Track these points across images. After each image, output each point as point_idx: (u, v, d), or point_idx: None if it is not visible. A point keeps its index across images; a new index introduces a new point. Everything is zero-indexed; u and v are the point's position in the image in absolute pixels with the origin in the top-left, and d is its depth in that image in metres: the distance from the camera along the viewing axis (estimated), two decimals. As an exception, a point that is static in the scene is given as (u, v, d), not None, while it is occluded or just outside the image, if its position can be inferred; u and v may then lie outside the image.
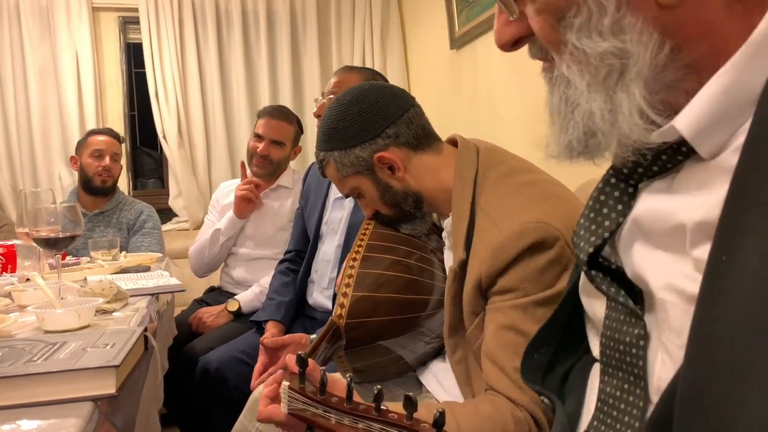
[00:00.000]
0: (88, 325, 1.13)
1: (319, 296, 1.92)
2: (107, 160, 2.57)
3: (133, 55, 3.43)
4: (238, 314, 2.23)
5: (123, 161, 3.27)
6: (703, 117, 0.46)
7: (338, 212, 1.89)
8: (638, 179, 0.56)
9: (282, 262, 2.11)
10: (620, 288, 0.55)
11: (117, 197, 2.66)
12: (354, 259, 1.14)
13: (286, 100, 3.36)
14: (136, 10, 3.21)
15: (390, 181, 1.12)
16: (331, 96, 1.79)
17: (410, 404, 0.63)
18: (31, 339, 0.90)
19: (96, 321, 1.18)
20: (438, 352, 1.24)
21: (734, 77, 0.45)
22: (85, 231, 2.41)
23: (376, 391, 0.64)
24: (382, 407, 0.65)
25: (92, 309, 1.15)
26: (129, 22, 3.34)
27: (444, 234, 1.19)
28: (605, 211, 0.57)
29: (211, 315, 2.23)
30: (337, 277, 1.81)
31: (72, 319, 1.10)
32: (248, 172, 2.39)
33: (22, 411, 0.70)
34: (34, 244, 1.37)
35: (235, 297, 2.28)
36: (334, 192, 1.90)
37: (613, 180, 0.58)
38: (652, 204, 0.53)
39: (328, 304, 1.87)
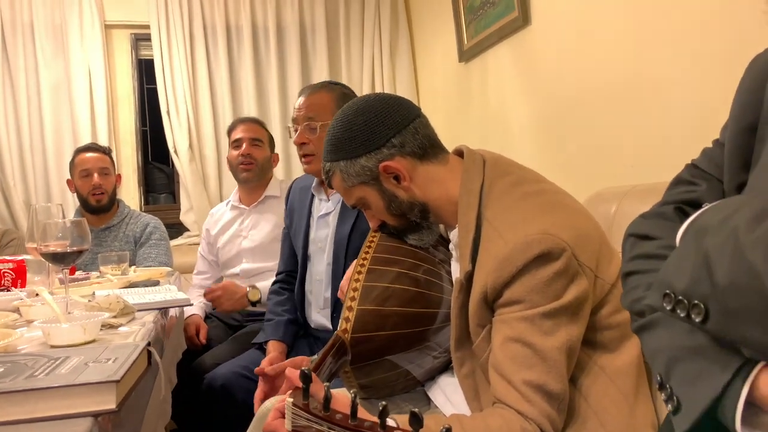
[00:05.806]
0: (94, 339, 1.13)
1: (318, 317, 1.86)
2: (96, 177, 2.51)
3: (145, 71, 3.47)
4: (257, 304, 2.22)
5: (134, 177, 3.30)
6: None
7: (323, 230, 1.82)
8: None
9: (274, 283, 2.06)
10: None
11: (122, 211, 2.63)
12: (359, 272, 1.13)
13: (296, 114, 3.37)
14: (147, 26, 3.25)
15: (396, 191, 1.11)
16: (307, 123, 1.67)
17: (416, 421, 0.61)
18: (34, 354, 0.90)
19: (102, 336, 1.17)
20: (446, 367, 1.22)
21: None
22: (93, 246, 2.39)
23: (381, 408, 0.63)
24: (387, 423, 0.64)
25: (98, 324, 1.15)
26: (141, 38, 3.38)
27: (451, 246, 1.18)
28: None
29: (230, 299, 2.21)
30: (331, 295, 1.76)
31: (77, 333, 1.09)
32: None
33: (21, 427, 0.69)
34: (42, 259, 1.37)
35: (256, 285, 2.24)
36: (317, 209, 1.85)
37: None
38: None
39: (327, 323, 1.81)
